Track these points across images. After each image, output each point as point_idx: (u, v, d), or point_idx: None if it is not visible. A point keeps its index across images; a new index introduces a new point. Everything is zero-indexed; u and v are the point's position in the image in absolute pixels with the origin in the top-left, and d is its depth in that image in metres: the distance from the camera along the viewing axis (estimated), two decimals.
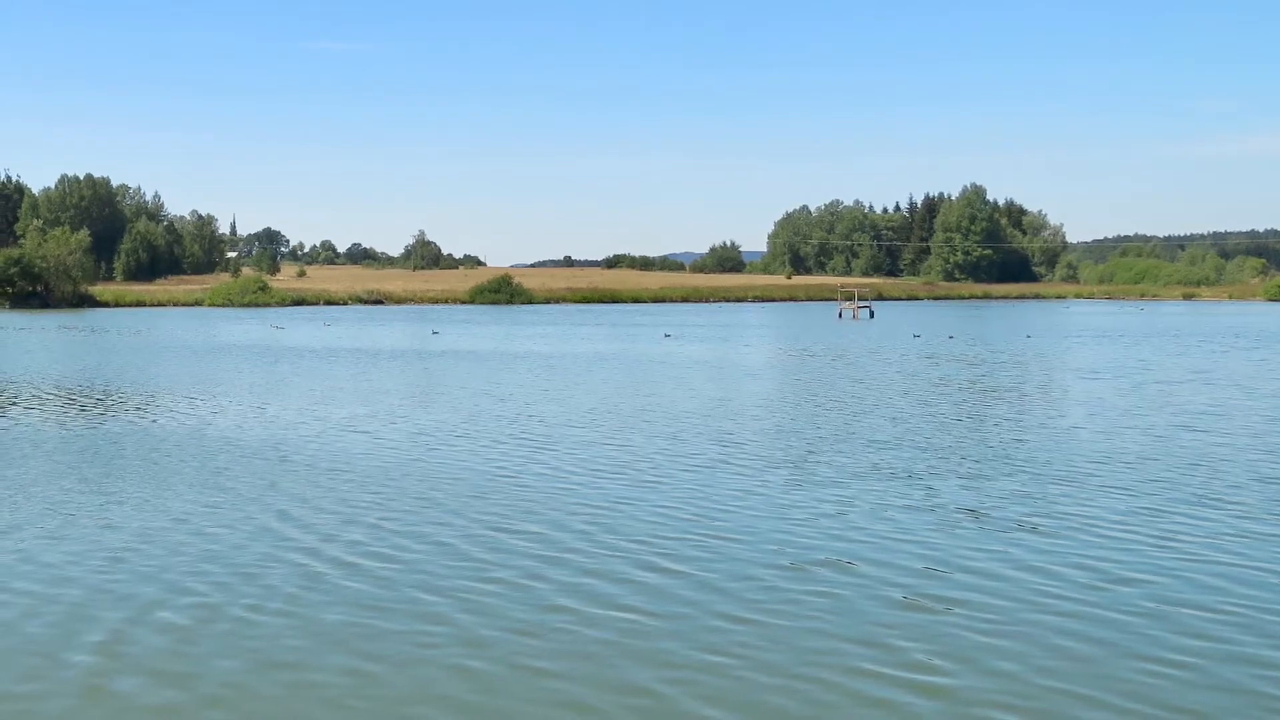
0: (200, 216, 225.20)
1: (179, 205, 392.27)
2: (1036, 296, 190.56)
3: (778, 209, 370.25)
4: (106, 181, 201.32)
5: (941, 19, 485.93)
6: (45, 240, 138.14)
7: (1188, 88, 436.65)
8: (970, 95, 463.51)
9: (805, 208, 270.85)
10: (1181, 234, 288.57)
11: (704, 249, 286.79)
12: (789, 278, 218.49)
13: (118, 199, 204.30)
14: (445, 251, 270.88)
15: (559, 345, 63.04)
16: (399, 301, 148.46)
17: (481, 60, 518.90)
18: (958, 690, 9.73)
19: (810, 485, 19.08)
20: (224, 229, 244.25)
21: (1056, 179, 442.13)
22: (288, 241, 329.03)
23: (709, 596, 12.37)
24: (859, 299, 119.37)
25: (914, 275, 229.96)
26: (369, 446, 23.65)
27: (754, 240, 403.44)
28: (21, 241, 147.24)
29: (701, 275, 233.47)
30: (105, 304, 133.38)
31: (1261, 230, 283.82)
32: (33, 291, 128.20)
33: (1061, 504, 17.42)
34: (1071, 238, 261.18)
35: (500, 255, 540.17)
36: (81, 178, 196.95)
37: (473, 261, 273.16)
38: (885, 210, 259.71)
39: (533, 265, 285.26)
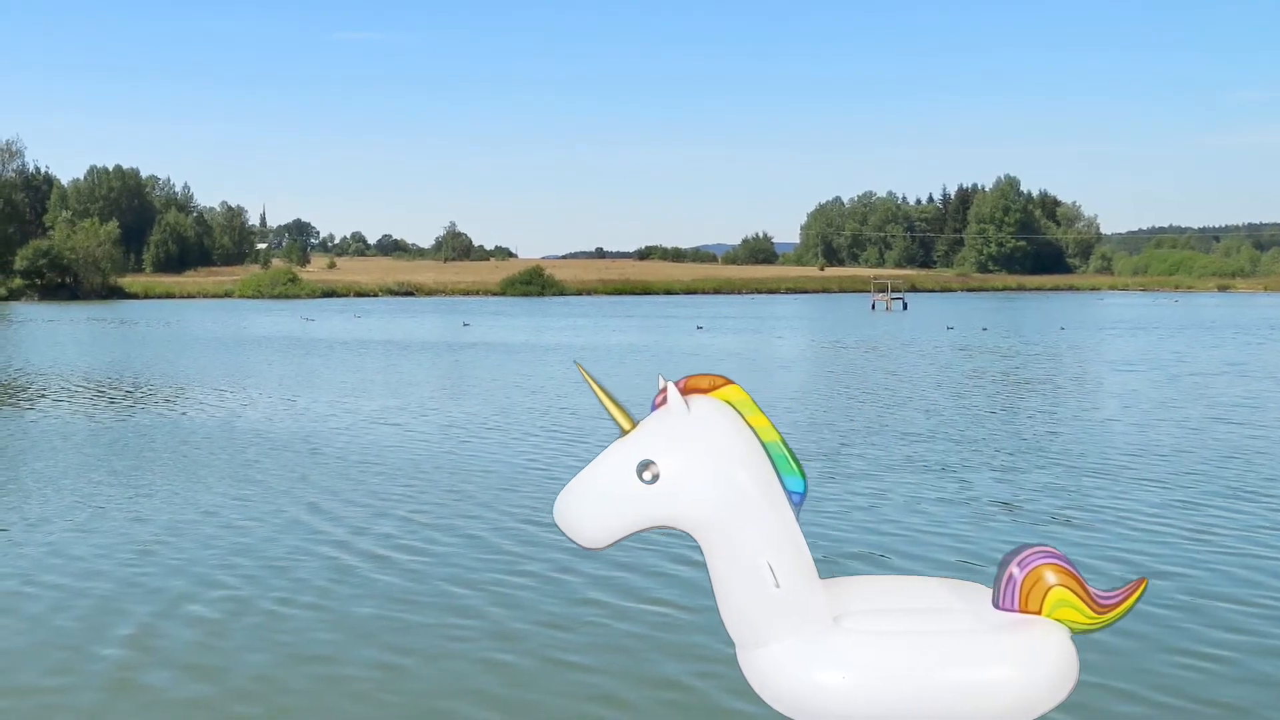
0: (230, 208, 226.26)
1: (208, 196, 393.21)
2: (1070, 288, 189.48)
3: (810, 200, 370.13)
4: (136, 172, 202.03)
5: (974, 8, 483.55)
6: (74, 232, 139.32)
7: (1222, 77, 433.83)
8: (1003, 86, 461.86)
9: (838, 199, 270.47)
10: (1216, 225, 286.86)
11: (736, 240, 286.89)
12: (822, 269, 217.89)
13: (147, 190, 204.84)
14: (476, 243, 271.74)
15: (591, 337, 63.04)
16: (430, 293, 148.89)
17: (513, 50, 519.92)
18: None
19: (843, 478, 18.96)
20: (254, 220, 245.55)
21: (1091, 170, 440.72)
22: (318, 233, 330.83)
23: None
24: (892, 290, 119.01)
25: (947, 267, 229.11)
26: (400, 439, 23.65)
27: (786, 232, 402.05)
28: (50, 233, 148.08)
29: (734, 267, 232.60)
30: (134, 295, 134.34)
31: None
32: (61, 283, 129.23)
33: (1095, 497, 17.26)
34: (1106, 229, 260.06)
35: (531, 247, 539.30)
36: (110, 169, 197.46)
37: (504, 253, 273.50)
38: (918, 201, 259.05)
39: (564, 257, 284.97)
